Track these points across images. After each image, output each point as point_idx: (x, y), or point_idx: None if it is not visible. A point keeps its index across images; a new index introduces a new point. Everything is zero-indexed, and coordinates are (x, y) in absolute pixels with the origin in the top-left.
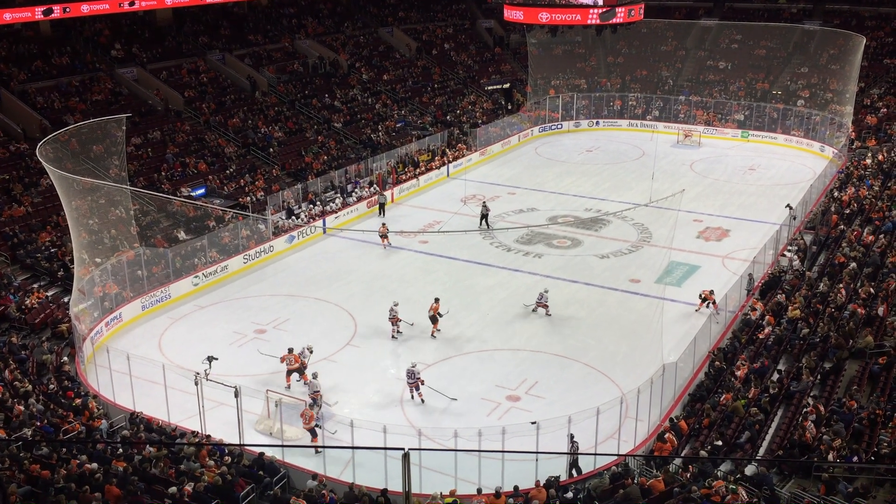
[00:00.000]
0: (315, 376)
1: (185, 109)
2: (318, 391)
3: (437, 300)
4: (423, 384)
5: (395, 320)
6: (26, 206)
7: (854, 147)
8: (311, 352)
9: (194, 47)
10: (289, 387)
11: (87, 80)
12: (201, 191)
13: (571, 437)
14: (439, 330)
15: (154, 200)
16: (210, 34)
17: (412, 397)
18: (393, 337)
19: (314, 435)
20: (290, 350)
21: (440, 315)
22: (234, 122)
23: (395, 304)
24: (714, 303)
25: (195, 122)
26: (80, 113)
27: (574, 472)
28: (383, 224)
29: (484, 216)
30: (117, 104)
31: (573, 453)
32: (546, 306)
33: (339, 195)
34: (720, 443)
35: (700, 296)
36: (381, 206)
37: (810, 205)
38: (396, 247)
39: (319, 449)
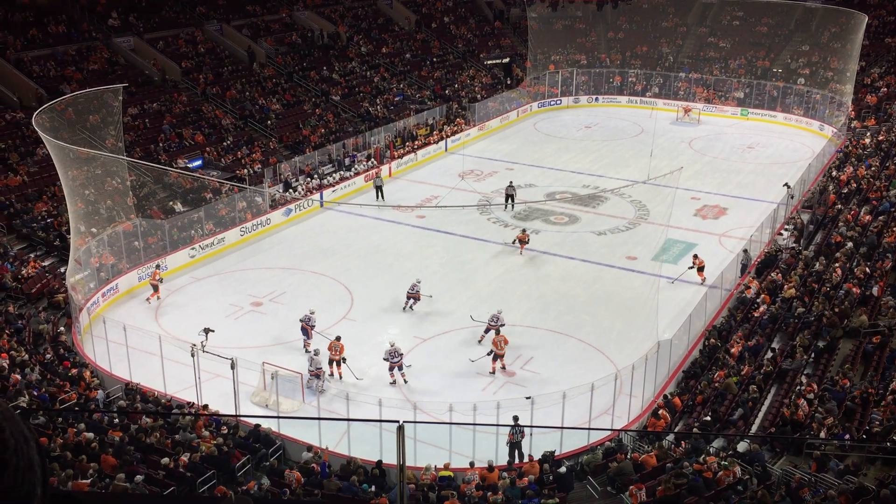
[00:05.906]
0: (317, 353)
1: (183, 80)
2: (321, 368)
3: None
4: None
5: (416, 296)
6: (22, 176)
7: (853, 126)
8: (313, 313)
9: (192, 17)
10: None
11: (84, 50)
12: (198, 162)
13: (516, 419)
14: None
15: (151, 171)
16: (208, 4)
17: (393, 381)
18: (405, 309)
19: (338, 365)
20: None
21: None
22: (232, 94)
23: (418, 282)
24: (700, 269)
25: (192, 93)
26: (77, 82)
27: (517, 457)
28: (524, 230)
29: (510, 196)
30: (114, 74)
31: (517, 425)
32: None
33: (336, 169)
34: (711, 419)
35: (694, 264)
36: (379, 189)
37: (808, 184)
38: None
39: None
